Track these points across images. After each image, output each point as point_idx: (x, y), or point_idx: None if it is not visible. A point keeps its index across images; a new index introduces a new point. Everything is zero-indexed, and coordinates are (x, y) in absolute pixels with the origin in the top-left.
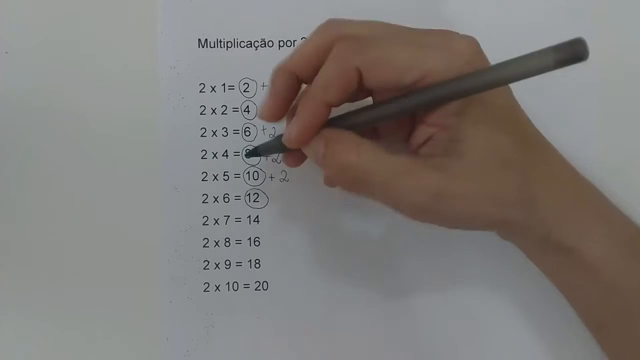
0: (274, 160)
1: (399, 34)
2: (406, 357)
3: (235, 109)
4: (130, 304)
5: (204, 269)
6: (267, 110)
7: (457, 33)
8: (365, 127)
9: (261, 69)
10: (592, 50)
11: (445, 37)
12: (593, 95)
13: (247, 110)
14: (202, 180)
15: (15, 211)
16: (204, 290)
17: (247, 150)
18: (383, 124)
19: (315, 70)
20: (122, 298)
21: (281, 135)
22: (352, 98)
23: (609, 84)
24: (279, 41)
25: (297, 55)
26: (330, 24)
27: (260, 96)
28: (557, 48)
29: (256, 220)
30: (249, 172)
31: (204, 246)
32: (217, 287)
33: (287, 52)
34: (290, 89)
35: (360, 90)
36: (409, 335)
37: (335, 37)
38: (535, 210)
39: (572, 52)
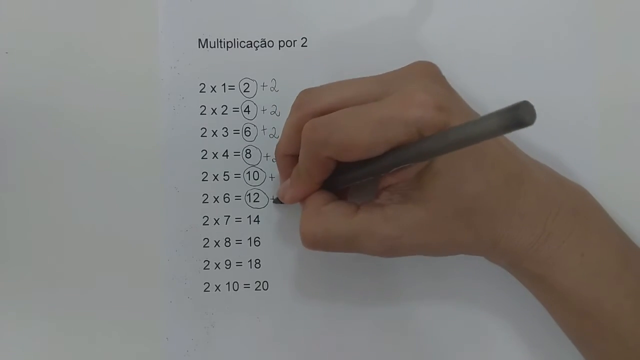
0: (274, 160)
1: (358, 108)
2: (406, 357)
3: (235, 109)
4: (130, 303)
5: (204, 268)
6: (284, 191)
7: (418, 73)
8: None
9: (261, 69)
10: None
11: (403, 97)
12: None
13: (247, 110)
14: (203, 180)
15: (16, 211)
16: (204, 290)
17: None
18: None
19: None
20: (123, 298)
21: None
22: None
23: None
24: (279, 41)
25: (282, 139)
26: (298, 101)
27: (260, 96)
28: (500, 114)
29: (256, 220)
30: (249, 172)
31: (204, 246)
32: (218, 287)
33: (287, 52)
34: (292, 165)
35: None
36: (408, 334)
37: (304, 116)
38: (496, 247)
39: (515, 118)
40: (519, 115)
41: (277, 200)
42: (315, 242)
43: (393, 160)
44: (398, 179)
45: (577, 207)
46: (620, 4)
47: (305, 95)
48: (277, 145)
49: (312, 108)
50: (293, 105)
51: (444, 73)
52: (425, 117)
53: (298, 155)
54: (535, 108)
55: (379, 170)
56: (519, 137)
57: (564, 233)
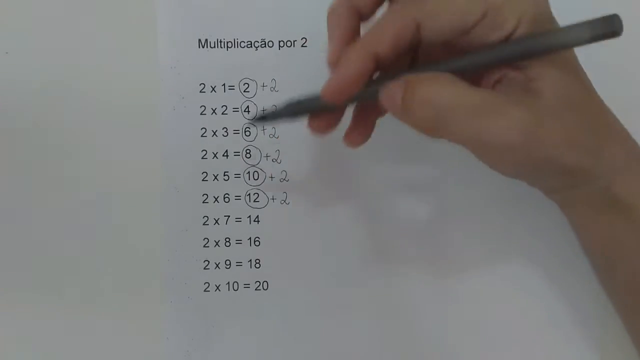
0: (274, 160)
1: None
2: (406, 357)
3: (235, 109)
4: (130, 303)
5: (204, 268)
6: (333, 55)
7: None
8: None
9: (261, 69)
10: None
11: None
12: None
13: (247, 110)
14: (203, 180)
15: (15, 211)
16: (204, 290)
17: (262, 113)
18: None
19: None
20: (123, 298)
21: (309, 99)
22: (397, 57)
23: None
24: (279, 41)
25: None
26: None
27: (260, 96)
28: (591, 23)
29: (256, 220)
30: (249, 172)
31: (204, 246)
32: (218, 287)
33: (287, 52)
34: (350, 25)
35: (409, 48)
36: (409, 334)
37: None
38: (601, 159)
39: (606, 28)
40: (611, 25)
41: (258, 118)
42: (437, 111)
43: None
44: (509, 66)
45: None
46: None
47: None
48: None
49: None
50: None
51: None
52: None
53: (358, 15)
54: None
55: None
56: None
57: None
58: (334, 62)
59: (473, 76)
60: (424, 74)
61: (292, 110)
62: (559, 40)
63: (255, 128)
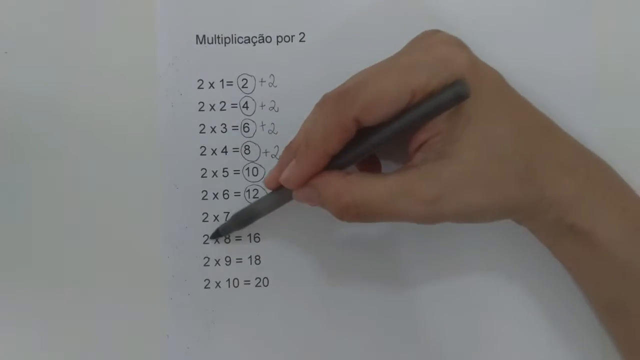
0: (273, 156)
1: (379, 67)
2: (408, 353)
3: (234, 105)
4: (130, 301)
5: (205, 265)
6: (272, 179)
7: (440, 37)
8: (359, 160)
9: (259, 65)
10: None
11: (426, 50)
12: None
13: (245, 106)
14: (202, 176)
15: (15, 210)
16: (205, 287)
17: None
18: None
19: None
20: (123, 295)
21: (252, 205)
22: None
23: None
24: (277, 36)
25: (301, 130)
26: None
27: (258, 92)
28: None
29: None
30: (248, 169)
31: (204, 243)
32: (218, 284)
33: (285, 47)
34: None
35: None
36: (410, 330)
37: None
38: (544, 196)
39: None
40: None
41: (216, 234)
42: (355, 212)
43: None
44: (428, 134)
45: (606, 165)
46: None
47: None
48: (293, 140)
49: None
50: (317, 105)
51: None
52: (449, 55)
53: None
54: (534, 66)
55: (395, 132)
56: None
57: (605, 185)
58: (272, 187)
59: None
60: (331, 175)
61: (240, 220)
62: (422, 111)
63: (254, 124)
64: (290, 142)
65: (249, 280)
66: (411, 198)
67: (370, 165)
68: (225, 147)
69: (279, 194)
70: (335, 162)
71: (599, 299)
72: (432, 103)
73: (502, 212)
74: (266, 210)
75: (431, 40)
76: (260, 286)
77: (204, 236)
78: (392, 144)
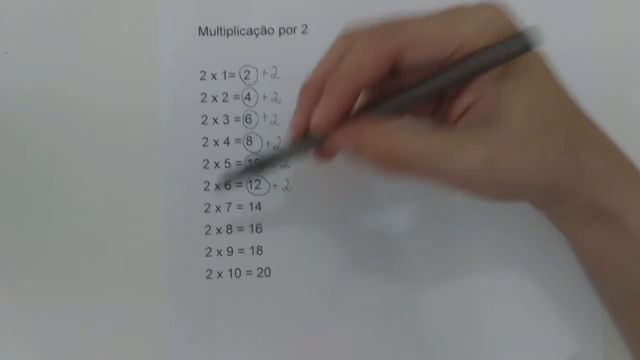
0: (275, 147)
1: (429, 14)
2: (409, 343)
3: (236, 97)
4: (132, 291)
5: (206, 256)
6: (295, 126)
7: (486, 2)
8: (395, 112)
9: (262, 56)
10: None
11: (474, 9)
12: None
13: (247, 97)
14: (204, 167)
15: (16, 208)
16: (207, 277)
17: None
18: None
19: None
20: (125, 286)
21: (290, 146)
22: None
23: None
24: (280, 28)
25: (321, 66)
26: (347, 29)
27: (261, 83)
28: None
29: (258, 207)
30: (250, 160)
31: (206, 233)
32: (220, 274)
33: (287, 39)
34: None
35: (388, 74)
36: (411, 321)
37: (359, 35)
38: (582, 175)
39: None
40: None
41: (223, 180)
42: (399, 159)
43: (460, 72)
44: (475, 95)
45: (624, 153)
46: None
47: (353, 25)
48: (308, 77)
49: (370, 26)
50: (339, 36)
51: None
52: (497, 14)
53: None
54: None
55: (448, 82)
56: None
57: (634, 170)
58: (297, 131)
59: (441, 108)
60: (376, 121)
61: (255, 166)
62: (485, 59)
63: (256, 115)
64: (306, 82)
65: (250, 271)
66: (463, 156)
67: None
68: (228, 138)
69: (303, 141)
70: (372, 110)
71: (621, 289)
72: (499, 49)
73: (544, 184)
74: (284, 156)
75: (477, 5)
76: (262, 277)
77: (206, 226)
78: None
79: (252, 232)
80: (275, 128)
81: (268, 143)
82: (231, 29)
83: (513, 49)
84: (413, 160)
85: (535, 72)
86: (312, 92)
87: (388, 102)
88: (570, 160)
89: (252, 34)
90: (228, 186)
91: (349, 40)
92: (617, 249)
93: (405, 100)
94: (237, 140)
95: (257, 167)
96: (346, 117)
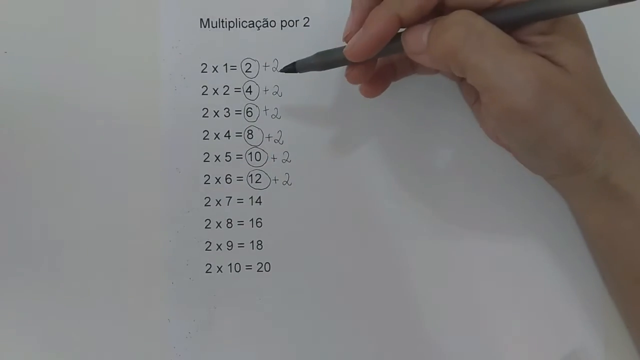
0: (276, 141)
1: None
2: (409, 337)
3: (237, 89)
4: (132, 285)
5: (206, 250)
6: (350, 34)
7: None
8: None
9: (263, 49)
10: None
11: None
12: None
13: (249, 90)
14: (204, 161)
15: (16, 206)
16: (206, 272)
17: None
18: None
19: None
20: (124, 280)
21: (337, 49)
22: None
23: None
24: (282, 21)
25: None
26: None
27: (262, 76)
28: None
29: (258, 201)
30: (251, 153)
31: (206, 227)
32: (219, 269)
33: (289, 32)
34: (371, 2)
35: (433, 10)
36: (412, 315)
37: None
38: (602, 146)
39: None
40: None
41: (290, 68)
42: (466, 33)
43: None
44: (530, 29)
45: None
46: None
47: None
48: None
49: None
50: None
51: None
52: None
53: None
54: None
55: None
56: None
57: None
58: (348, 39)
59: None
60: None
61: (321, 61)
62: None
63: (257, 108)
64: None
65: (250, 265)
66: (525, 58)
67: (384, 75)
68: (228, 131)
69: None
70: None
71: (630, 270)
72: None
73: (570, 147)
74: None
75: None
76: (261, 271)
77: (206, 220)
78: None
79: (252, 226)
80: (276, 121)
81: (269, 136)
82: (233, 22)
83: None
84: (482, 40)
85: (578, 33)
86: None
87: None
88: (598, 122)
89: (253, 26)
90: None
91: None
92: (626, 228)
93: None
94: (238, 134)
95: (324, 63)
96: (384, 44)
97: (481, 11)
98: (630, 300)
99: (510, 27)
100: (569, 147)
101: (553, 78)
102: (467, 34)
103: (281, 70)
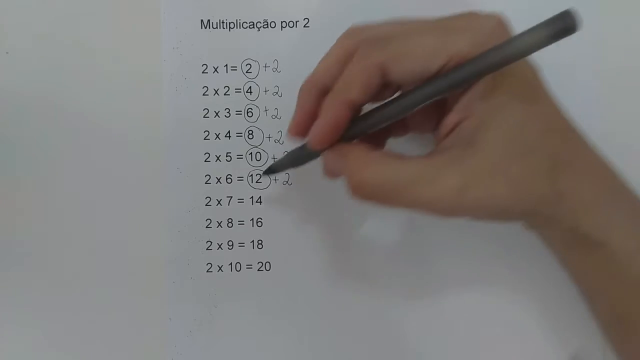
0: (277, 141)
1: (422, 24)
2: (407, 337)
3: (237, 90)
4: (133, 284)
5: (207, 249)
6: (295, 127)
7: (481, 13)
8: (391, 121)
9: (264, 50)
10: None
11: (469, 18)
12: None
13: (249, 91)
14: (205, 161)
15: (17, 206)
16: (207, 271)
17: (267, 169)
18: (408, 115)
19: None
20: (125, 279)
21: (301, 147)
22: (378, 97)
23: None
24: (282, 22)
25: (321, 66)
26: (352, 30)
27: (262, 77)
28: (548, 23)
29: (259, 201)
30: (251, 153)
31: (206, 227)
32: (220, 268)
33: (289, 33)
34: (316, 102)
35: (385, 88)
36: (411, 314)
37: (358, 41)
38: (564, 201)
39: (563, 25)
40: (566, 23)
41: (269, 170)
42: (370, 191)
43: (446, 82)
44: (461, 115)
45: (617, 171)
46: None
47: (358, 26)
48: (309, 77)
49: (367, 35)
50: (342, 35)
51: None
52: (492, 31)
53: (326, 92)
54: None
55: (432, 92)
56: None
57: (619, 194)
58: (294, 133)
59: (431, 127)
60: (356, 148)
61: (292, 158)
62: (515, 49)
63: (257, 109)
64: (303, 86)
65: (251, 265)
66: (433, 185)
67: (375, 141)
68: (229, 131)
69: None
70: (361, 124)
71: (608, 313)
72: (529, 38)
73: (521, 211)
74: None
75: (478, 15)
76: (262, 270)
77: (206, 220)
78: (419, 123)
79: (253, 226)
80: (276, 122)
81: (269, 137)
82: (233, 23)
83: (553, 30)
84: (384, 192)
85: (525, 93)
86: (308, 95)
87: (375, 114)
88: (549, 188)
89: (254, 27)
90: (272, 175)
91: (346, 47)
92: (602, 273)
93: (391, 112)
94: (239, 134)
95: (296, 160)
96: (341, 130)
97: (426, 80)
98: (613, 340)
99: (457, 87)
100: (521, 217)
101: (467, 191)
102: (373, 192)
103: (264, 173)
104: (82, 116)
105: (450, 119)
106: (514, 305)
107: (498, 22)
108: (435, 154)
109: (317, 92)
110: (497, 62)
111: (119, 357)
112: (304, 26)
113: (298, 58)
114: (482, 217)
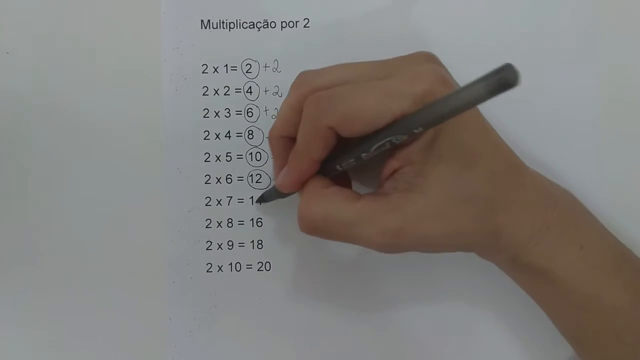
0: None
1: (363, 84)
2: (409, 336)
3: (237, 90)
4: (133, 284)
5: (207, 249)
6: (278, 175)
7: (429, 69)
8: (355, 165)
9: (264, 50)
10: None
11: (413, 81)
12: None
13: (249, 91)
14: (205, 161)
15: (18, 205)
16: (207, 271)
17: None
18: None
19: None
20: (125, 279)
21: None
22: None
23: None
24: (282, 22)
25: (278, 120)
26: (299, 80)
27: (262, 77)
28: (485, 77)
29: (259, 201)
30: (251, 153)
31: (206, 227)
32: (220, 268)
33: (289, 33)
34: (287, 149)
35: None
36: (411, 313)
37: (305, 93)
38: (499, 239)
39: (500, 80)
40: (504, 77)
41: (261, 199)
42: (313, 226)
43: (388, 132)
44: (401, 162)
45: (570, 202)
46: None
47: (306, 74)
48: (272, 128)
49: (314, 85)
50: (292, 85)
51: (443, 60)
52: (432, 90)
53: (294, 138)
54: (536, 102)
55: (377, 140)
56: (517, 133)
57: (563, 225)
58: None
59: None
60: (312, 184)
61: (278, 191)
62: (457, 103)
63: (257, 109)
64: (269, 143)
65: (251, 265)
66: (373, 227)
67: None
68: (229, 131)
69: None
70: (332, 166)
71: (563, 331)
72: (468, 93)
73: (457, 246)
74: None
75: (420, 69)
76: (262, 270)
77: (206, 220)
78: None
79: (253, 226)
80: None
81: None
82: (233, 23)
83: (492, 86)
84: (326, 228)
85: (465, 143)
86: (279, 146)
87: (332, 165)
88: (484, 228)
89: (254, 27)
90: (264, 203)
91: (298, 98)
92: (550, 298)
93: (342, 161)
94: (239, 134)
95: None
96: (308, 179)
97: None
98: (576, 352)
99: (404, 137)
100: (459, 250)
101: (403, 232)
102: (317, 227)
103: (256, 201)
104: (82, 116)
105: (392, 164)
106: (514, 306)
107: (438, 77)
108: (378, 196)
109: (285, 141)
110: (435, 119)
111: (119, 357)
112: (304, 26)
113: (298, 58)
114: (420, 251)
